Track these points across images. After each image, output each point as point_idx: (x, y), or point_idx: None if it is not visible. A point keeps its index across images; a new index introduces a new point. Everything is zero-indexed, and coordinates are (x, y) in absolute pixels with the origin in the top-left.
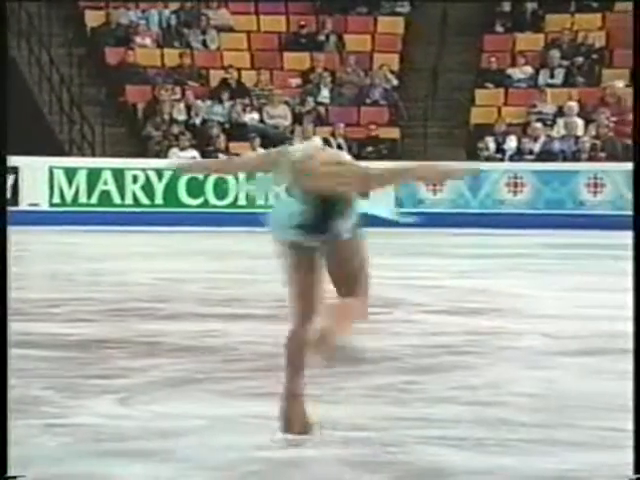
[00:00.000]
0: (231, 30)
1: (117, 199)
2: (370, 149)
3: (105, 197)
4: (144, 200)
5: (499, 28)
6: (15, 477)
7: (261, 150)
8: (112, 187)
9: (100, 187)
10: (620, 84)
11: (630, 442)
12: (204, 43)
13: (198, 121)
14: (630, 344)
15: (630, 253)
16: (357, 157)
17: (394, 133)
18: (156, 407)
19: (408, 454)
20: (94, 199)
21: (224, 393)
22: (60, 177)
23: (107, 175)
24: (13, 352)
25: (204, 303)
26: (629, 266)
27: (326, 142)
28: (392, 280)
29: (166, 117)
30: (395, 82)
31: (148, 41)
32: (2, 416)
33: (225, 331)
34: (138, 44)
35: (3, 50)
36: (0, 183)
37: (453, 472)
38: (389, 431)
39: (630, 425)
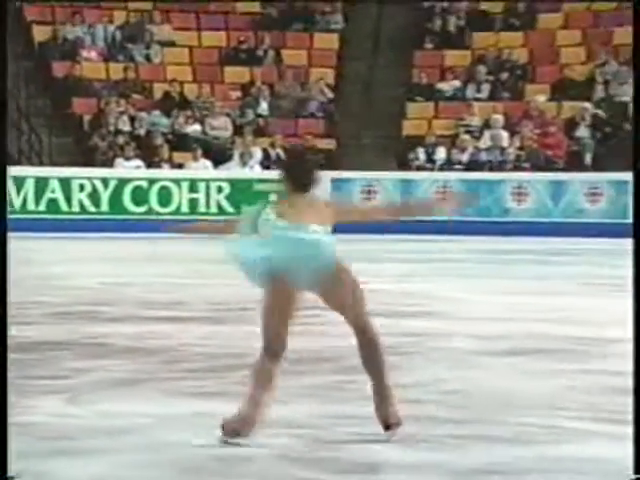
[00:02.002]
0: (173, 45)
1: (64, 207)
2: None
3: (53, 205)
4: (90, 208)
5: (428, 44)
6: (13, 477)
7: (205, 161)
8: (59, 195)
9: (48, 195)
10: (542, 98)
11: (551, 437)
12: (148, 57)
13: (142, 132)
14: (551, 344)
15: (551, 259)
16: None
17: (330, 144)
18: (102, 406)
19: (342, 450)
20: (42, 206)
21: (167, 392)
22: (8, 185)
23: (54, 184)
24: None
25: (147, 306)
26: (551, 270)
27: (265, 152)
28: None
29: (111, 128)
30: (331, 95)
31: (94, 55)
32: (2, 417)
33: (166, 333)
34: (84, 58)
35: (3, 50)
36: (0, 191)
37: (386, 467)
38: (325, 429)
39: (551, 421)
